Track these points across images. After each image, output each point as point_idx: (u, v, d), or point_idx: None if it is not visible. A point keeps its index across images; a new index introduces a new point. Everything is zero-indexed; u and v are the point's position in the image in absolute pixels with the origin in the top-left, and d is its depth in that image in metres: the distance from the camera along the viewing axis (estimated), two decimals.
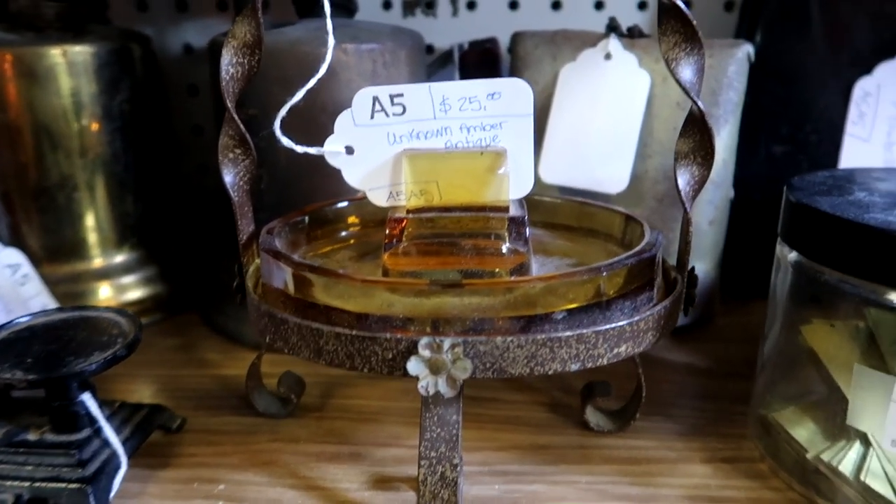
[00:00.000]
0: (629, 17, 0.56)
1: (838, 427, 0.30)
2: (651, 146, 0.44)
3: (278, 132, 0.31)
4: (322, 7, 0.49)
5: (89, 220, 0.48)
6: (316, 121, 0.42)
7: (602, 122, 0.44)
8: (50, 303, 0.44)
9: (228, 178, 0.33)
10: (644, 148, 0.44)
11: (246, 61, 0.30)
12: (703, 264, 0.46)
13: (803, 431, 0.32)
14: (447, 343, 0.26)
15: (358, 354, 0.27)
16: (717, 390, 0.40)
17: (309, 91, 0.42)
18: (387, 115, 0.31)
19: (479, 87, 0.30)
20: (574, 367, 0.27)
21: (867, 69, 0.46)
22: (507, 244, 0.30)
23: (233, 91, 0.31)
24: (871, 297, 0.28)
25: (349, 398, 0.40)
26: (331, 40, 0.30)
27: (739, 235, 0.49)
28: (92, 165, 0.47)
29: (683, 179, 0.29)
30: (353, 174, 0.32)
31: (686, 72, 0.27)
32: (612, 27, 0.45)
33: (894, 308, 0.28)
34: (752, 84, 0.45)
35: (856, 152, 0.48)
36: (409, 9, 0.57)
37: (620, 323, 0.27)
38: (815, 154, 0.49)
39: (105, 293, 0.48)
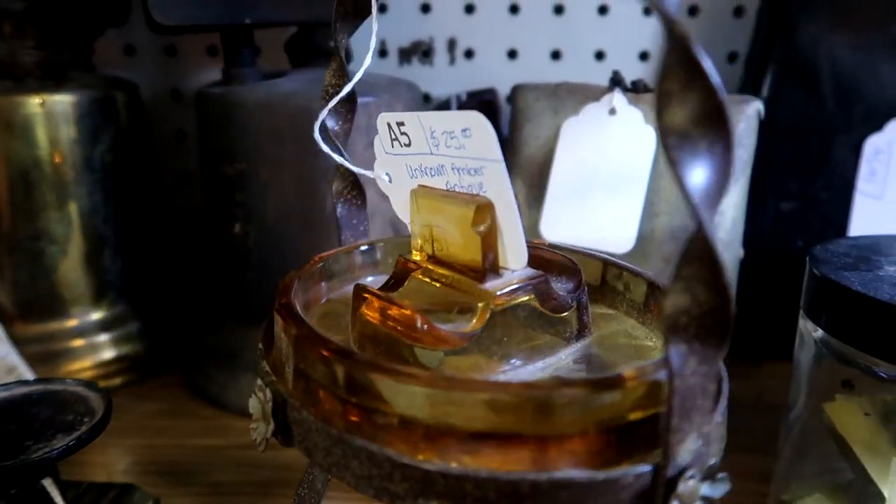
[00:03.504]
0: (631, 67, 0.55)
1: None
2: (658, 205, 0.42)
3: (321, 141, 0.27)
4: (316, 57, 0.48)
5: (65, 276, 0.45)
6: (307, 176, 0.40)
7: (607, 178, 0.42)
8: (18, 364, 0.41)
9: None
10: (650, 206, 0.42)
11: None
12: None
13: None
14: None
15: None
16: (733, 466, 0.37)
17: (302, 146, 0.40)
18: (400, 144, 0.27)
19: (453, 119, 0.23)
20: None
21: (878, 126, 0.45)
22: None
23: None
24: None
25: None
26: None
27: (748, 293, 0.47)
28: (69, 218, 0.44)
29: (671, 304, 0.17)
30: (397, 203, 0.27)
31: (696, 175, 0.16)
32: (616, 81, 0.43)
33: None
34: (759, 139, 0.43)
35: (867, 210, 0.46)
36: (405, 57, 0.56)
37: None
38: (826, 211, 0.47)
39: (80, 353, 0.45)
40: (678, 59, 0.15)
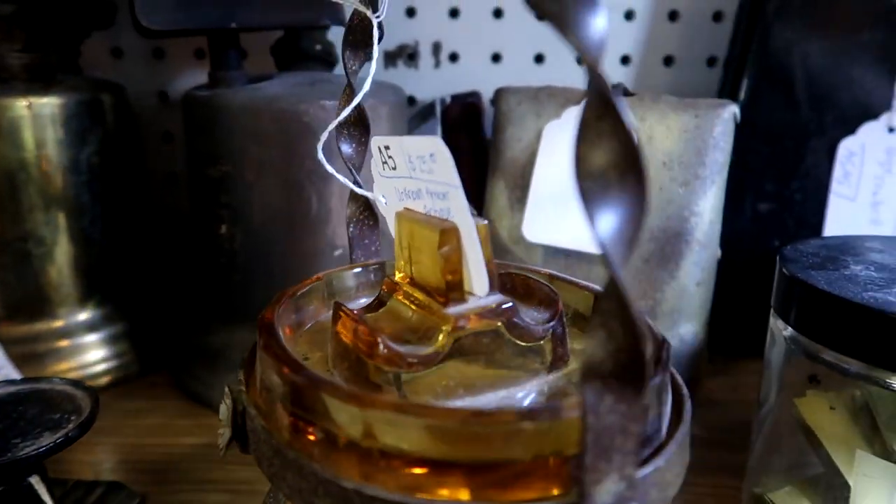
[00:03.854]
0: (612, 71, 0.56)
1: None
2: None
3: (324, 162, 0.28)
4: (302, 60, 0.48)
5: (52, 277, 0.45)
6: (292, 178, 0.41)
7: None
8: (5, 364, 0.41)
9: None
10: None
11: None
12: (690, 326, 0.44)
13: None
14: None
15: None
16: (708, 461, 0.38)
17: (287, 149, 0.40)
18: (389, 167, 0.28)
19: (420, 145, 0.24)
20: None
21: (851, 129, 0.46)
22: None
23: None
24: (872, 377, 0.27)
25: None
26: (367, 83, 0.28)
27: (725, 292, 0.48)
28: (56, 220, 0.45)
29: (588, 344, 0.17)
30: (392, 225, 0.27)
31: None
32: None
33: (894, 389, 0.26)
34: (736, 141, 0.44)
35: (842, 211, 0.47)
36: (390, 60, 0.56)
37: None
38: (801, 212, 0.48)
39: (67, 353, 0.46)
40: (594, 100, 0.15)
